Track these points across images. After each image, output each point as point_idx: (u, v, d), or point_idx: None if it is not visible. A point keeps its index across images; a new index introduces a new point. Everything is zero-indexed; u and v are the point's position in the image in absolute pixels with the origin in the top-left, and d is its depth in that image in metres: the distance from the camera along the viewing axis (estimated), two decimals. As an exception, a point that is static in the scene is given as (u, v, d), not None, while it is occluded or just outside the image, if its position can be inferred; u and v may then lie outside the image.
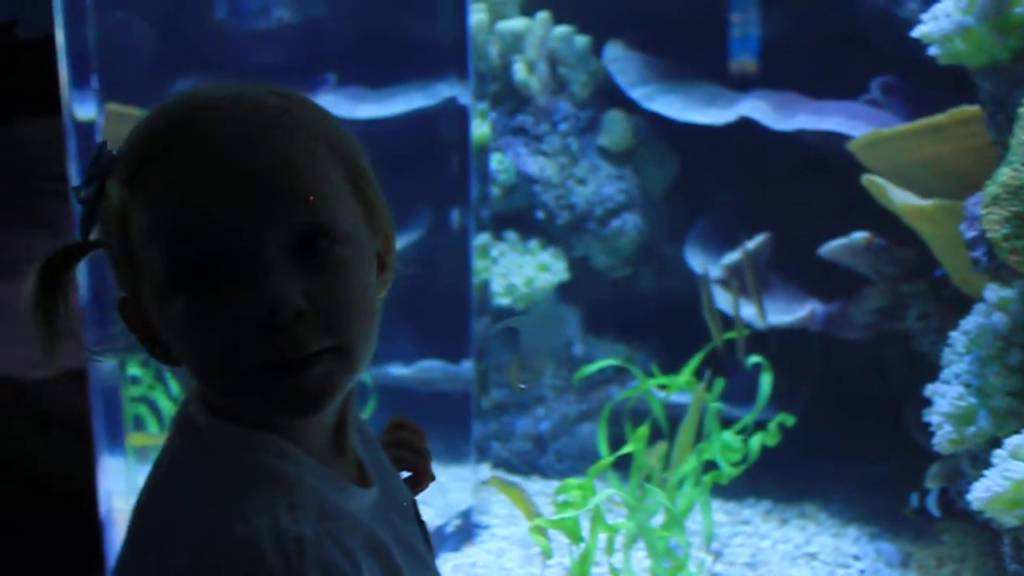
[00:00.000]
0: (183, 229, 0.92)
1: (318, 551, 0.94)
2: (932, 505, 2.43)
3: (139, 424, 2.53)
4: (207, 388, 1.01)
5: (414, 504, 1.16)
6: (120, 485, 2.01)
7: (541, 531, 2.28)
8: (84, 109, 1.85)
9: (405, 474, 1.24)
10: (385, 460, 1.16)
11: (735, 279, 2.72)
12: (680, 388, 2.55)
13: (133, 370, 2.45)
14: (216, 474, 0.99)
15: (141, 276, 0.96)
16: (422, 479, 1.24)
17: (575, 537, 2.19)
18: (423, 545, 1.13)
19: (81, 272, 1.84)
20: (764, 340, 2.57)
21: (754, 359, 2.51)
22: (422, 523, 1.16)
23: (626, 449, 2.37)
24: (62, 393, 2.44)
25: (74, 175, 1.90)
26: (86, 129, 1.83)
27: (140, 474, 2.13)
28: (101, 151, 0.97)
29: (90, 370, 1.95)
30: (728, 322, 2.61)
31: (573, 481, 2.24)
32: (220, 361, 0.95)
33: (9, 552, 2.70)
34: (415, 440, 1.26)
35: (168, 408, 2.58)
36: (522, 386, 3.02)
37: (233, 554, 0.92)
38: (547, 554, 2.26)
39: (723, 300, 2.81)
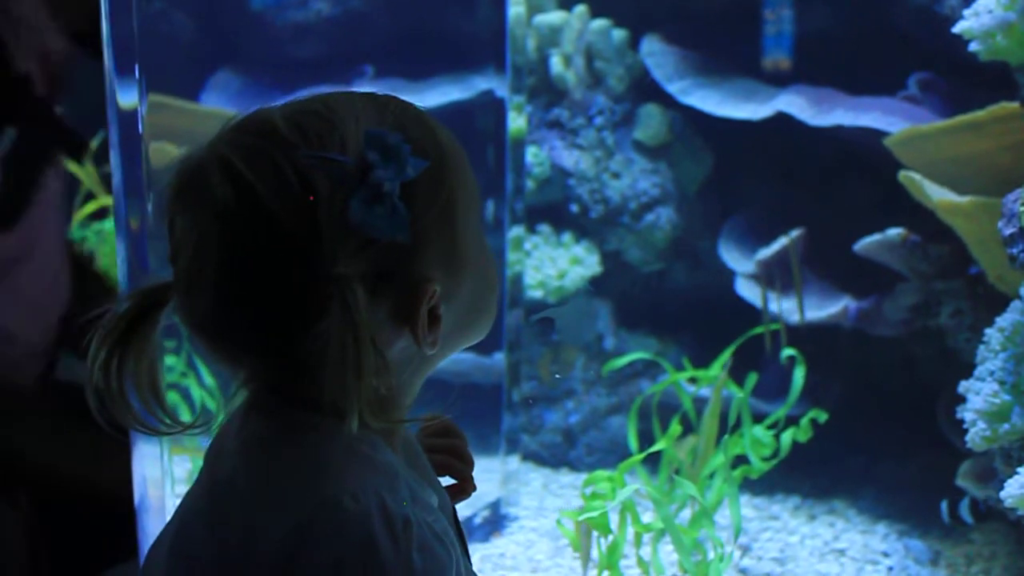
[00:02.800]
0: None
1: (420, 534, 0.98)
2: (965, 512, 2.43)
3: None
4: (472, 329, 1.12)
5: (453, 510, 1.19)
6: (155, 472, 2.03)
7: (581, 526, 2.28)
8: (127, 98, 1.87)
9: (447, 480, 1.26)
10: (426, 465, 1.18)
11: (776, 273, 2.72)
12: (711, 382, 2.55)
13: (166, 359, 2.47)
14: (318, 455, 1.01)
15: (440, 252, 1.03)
16: (467, 487, 1.27)
17: (603, 529, 2.20)
18: (464, 555, 1.15)
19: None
20: (799, 335, 2.56)
21: (788, 352, 2.51)
22: (460, 529, 1.18)
23: (658, 446, 2.38)
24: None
25: (116, 164, 1.91)
26: (129, 118, 1.85)
27: (175, 462, 2.15)
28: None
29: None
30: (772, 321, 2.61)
31: (602, 473, 2.25)
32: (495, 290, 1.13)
33: (45, 539, 2.73)
34: (462, 446, 1.28)
35: (200, 396, 2.60)
36: (557, 376, 3.03)
37: (345, 527, 0.96)
38: (576, 547, 2.27)
39: (756, 296, 2.82)
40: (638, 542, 2.32)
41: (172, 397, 2.64)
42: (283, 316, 0.98)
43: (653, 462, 2.51)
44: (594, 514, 2.15)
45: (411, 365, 1.07)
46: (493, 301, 1.14)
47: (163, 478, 2.01)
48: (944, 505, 2.47)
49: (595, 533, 2.22)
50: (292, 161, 0.97)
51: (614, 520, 2.23)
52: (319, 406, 1.01)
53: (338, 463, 1.00)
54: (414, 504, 1.01)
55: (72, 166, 3.77)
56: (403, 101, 1.08)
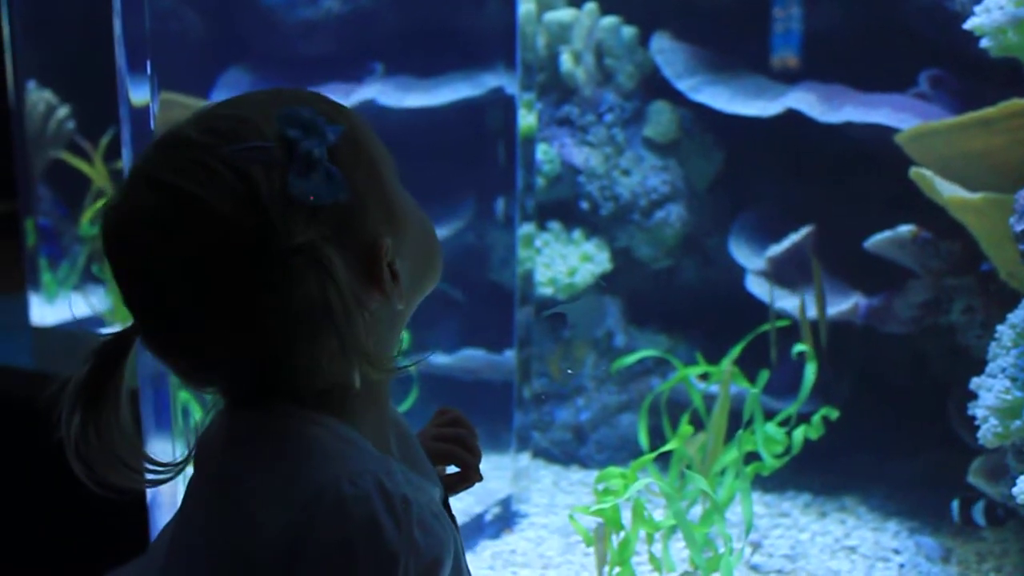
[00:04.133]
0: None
1: (419, 511, 1.01)
2: (978, 515, 2.43)
3: (183, 410, 2.56)
4: (427, 277, 1.14)
5: (446, 503, 1.20)
6: (167, 468, 2.03)
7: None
8: (139, 96, 1.88)
9: (452, 469, 1.28)
10: (422, 457, 1.20)
11: (786, 270, 2.72)
12: (721, 379, 2.54)
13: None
14: (309, 445, 1.04)
15: (376, 219, 1.06)
16: (472, 476, 1.29)
17: (616, 525, 2.20)
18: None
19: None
20: (815, 332, 2.56)
21: (799, 348, 2.51)
22: (453, 519, 1.19)
23: (670, 445, 2.38)
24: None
25: (128, 161, 1.92)
26: (141, 114, 1.86)
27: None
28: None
29: (139, 355, 1.97)
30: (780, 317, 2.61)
31: (615, 469, 2.25)
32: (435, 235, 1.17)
33: (57, 534, 2.74)
34: (469, 437, 1.30)
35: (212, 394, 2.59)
36: (569, 371, 3.03)
37: (346, 511, 0.98)
38: (588, 542, 2.27)
39: (766, 293, 2.81)
40: (650, 539, 2.32)
41: (183, 396, 2.64)
42: (259, 307, 1.00)
43: (663, 459, 2.51)
44: (606, 505, 2.15)
45: (384, 324, 1.10)
46: (436, 247, 1.18)
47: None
48: (955, 505, 2.47)
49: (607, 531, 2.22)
50: (220, 159, 1.00)
51: (626, 516, 2.23)
52: (301, 397, 1.05)
53: (329, 450, 1.03)
54: (408, 482, 1.03)
55: (82, 165, 3.79)
56: (294, 87, 1.12)
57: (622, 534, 2.22)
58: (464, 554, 1.16)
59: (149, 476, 1.09)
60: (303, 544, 0.98)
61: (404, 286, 1.08)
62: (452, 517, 1.19)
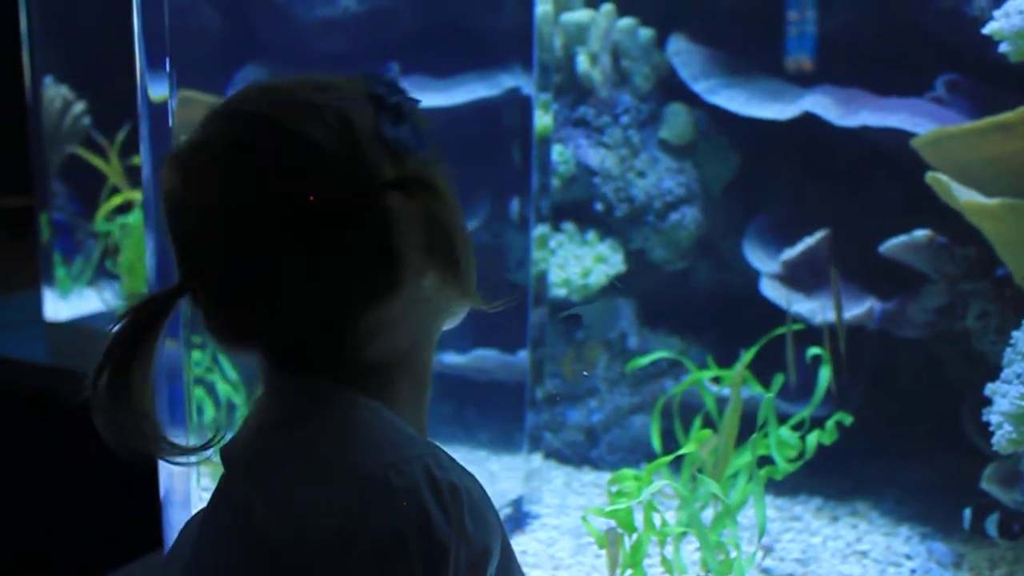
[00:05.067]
0: None
1: (469, 498, 1.00)
2: (991, 527, 2.42)
3: (198, 407, 2.57)
4: (468, 296, 1.13)
5: None
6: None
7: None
8: (157, 92, 1.88)
9: None
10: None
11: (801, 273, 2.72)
12: (732, 383, 2.54)
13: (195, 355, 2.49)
14: (351, 429, 1.03)
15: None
16: None
17: (629, 528, 2.20)
18: None
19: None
20: (833, 338, 2.56)
21: (813, 351, 2.50)
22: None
23: (686, 448, 2.37)
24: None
25: (146, 157, 1.92)
26: (159, 110, 1.86)
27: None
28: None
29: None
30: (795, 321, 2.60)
31: (629, 471, 2.25)
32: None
33: (73, 531, 2.74)
34: None
35: (226, 391, 2.61)
36: (584, 373, 3.04)
37: (396, 504, 0.97)
38: (600, 544, 2.27)
39: (781, 296, 2.81)
40: (662, 541, 2.32)
41: (198, 393, 2.65)
42: (340, 245, 1.00)
43: (675, 461, 2.51)
44: (620, 506, 2.15)
45: (426, 318, 1.10)
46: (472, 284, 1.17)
47: (188, 470, 2.02)
48: (967, 513, 2.46)
49: (621, 532, 2.22)
50: (317, 101, 1.02)
51: (639, 518, 2.23)
52: (347, 374, 1.04)
53: (374, 436, 1.02)
54: (455, 468, 1.03)
55: (97, 161, 3.80)
56: None
57: (634, 536, 2.22)
58: (509, 539, 1.15)
59: (164, 447, 1.07)
60: (352, 536, 0.96)
61: (450, 283, 1.09)
62: None
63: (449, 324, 1.16)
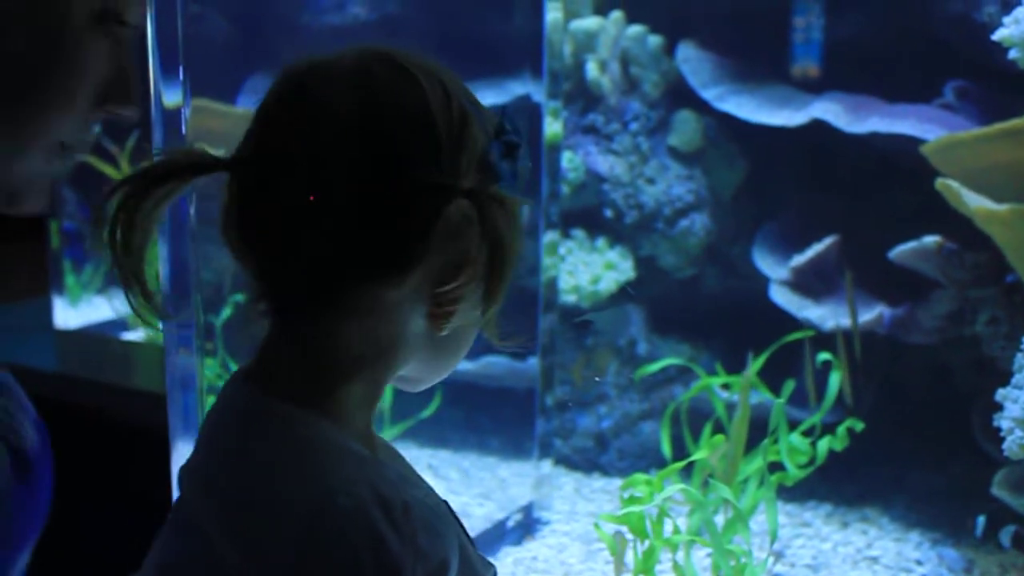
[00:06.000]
0: None
1: (421, 513, 0.99)
2: (1006, 538, 2.42)
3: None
4: (448, 360, 1.13)
5: (447, 504, 1.19)
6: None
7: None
8: (170, 98, 1.89)
9: None
10: (400, 456, 1.22)
11: (817, 280, 2.72)
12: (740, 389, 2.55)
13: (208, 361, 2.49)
14: (305, 457, 1.01)
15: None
16: None
17: (641, 533, 2.20)
18: (466, 537, 1.16)
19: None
20: (849, 344, 2.56)
21: (823, 356, 2.51)
22: (458, 519, 1.18)
23: (699, 454, 2.38)
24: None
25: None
26: (173, 117, 1.87)
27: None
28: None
29: (167, 357, 1.98)
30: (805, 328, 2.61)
31: (641, 476, 2.25)
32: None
33: (77, 534, 2.75)
34: None
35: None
36: (596, 379, 3.04)
37: (346, 525, 0.95)
38: (612, 551, 2.27)
39: (790, 303, 2.82)
40: (674, 547, 2.33)
41: (211, 401, 2.65)
42: (397, 215, 1.00)
43: (686, 468, 2.51)
44: (633, 510, 2.15)
45: (413, 324, 1.08)
46: (461, 357, 1.16)
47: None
48: (981, 521, 2.46)
49: (631, 538, 2.23)
50: (456, 92, 1.04)
51: (650, 524, 2.23)
52: (299, 396, 1.03)
53: (321, 458, 1.00)
54: (404, 483, 1.01)
55: (108, 168, 3.81)
56: None
57: (647, 543, 2.22)
58: (470, 542, 1.15)
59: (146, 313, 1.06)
60: (306, 563, 0.95)
61: (437, 336, 1.08)
62: (451, 510, 1.17)
63: (459, 350, 1.15)
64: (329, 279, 1.01)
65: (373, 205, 0.99)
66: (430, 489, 1.12)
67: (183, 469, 1.09)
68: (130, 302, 1.05)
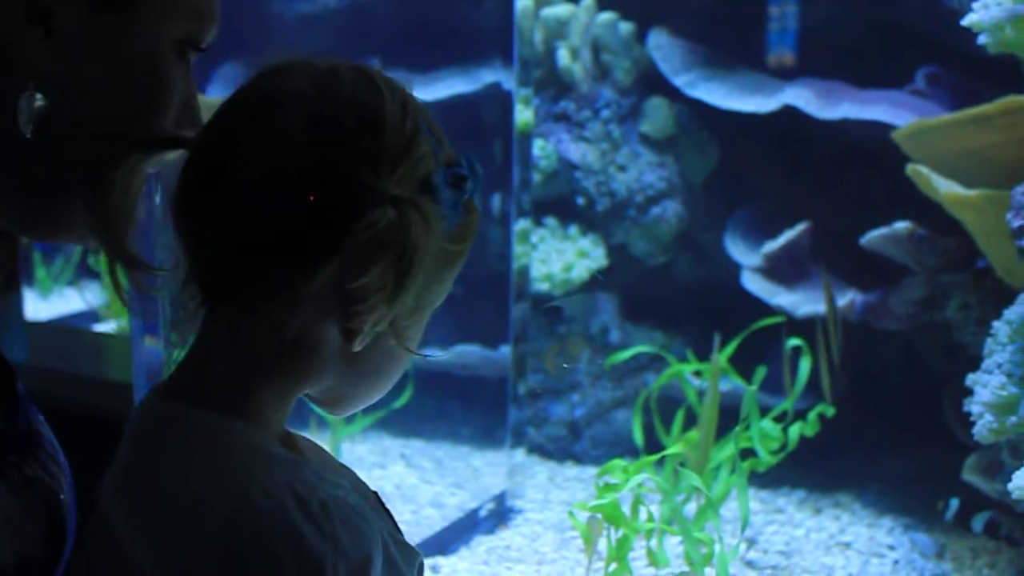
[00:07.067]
0: None
1: (340, 511, 0.98)
2: (979, 524, 2.43)
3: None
4: (374, 385, 1.14)
5: (377, 496, 1.18)
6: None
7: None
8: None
9: None
10: (335, 460, 1.20)
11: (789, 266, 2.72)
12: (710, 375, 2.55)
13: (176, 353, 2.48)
14: (220, 460, 1.00)
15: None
16: None
17: (616, 521, 2.20)
18: (395, 528, 1.15)
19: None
20: (805, 328, 2.56)
21: (793, 342, 2.51)
22: (387, 511, 1.17)
23: (674, 448, 2.38)
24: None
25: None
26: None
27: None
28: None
29: (134, 347, 1.97)
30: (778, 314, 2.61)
31: (619, 462, 2.25)
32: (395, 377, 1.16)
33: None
34: None
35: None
36: (565, 365, 3.04)
37: (265, 525, 0.95)
38: (586, 539, 2.27)
39: (762, 289, 2.82)
40: (648, 534, 2.33)
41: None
42: (328, 211, 0.99)
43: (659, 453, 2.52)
44: (605, 501, 2.15)
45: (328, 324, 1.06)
46: (390, 382, 1.16)
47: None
48: (954, 504, 2.46)
49: (605, 526, 2.22)
50: (415, 110, 1.05)
51: (628, 511, 2.23)
52: (215, 399, 1.02)
53: (238, 460, 1.00)
54: (322, 482, 1.01)
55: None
56: None
57: (620, 531, 2.22)
58: (399, 532, 1.14)
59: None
60: (225, 565, 0.95)
61: (347, 355, 1.07)
62: (381, 502, 1.17)
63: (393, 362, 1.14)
64: (248, 258, 1.01)
65: (301, 191, 0.99)
66: (360, 483, 1.13)
67: (103, 480, 1.07)
68: (110, 271, 1.09)
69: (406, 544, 1.13)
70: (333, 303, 1.02)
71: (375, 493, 1.17)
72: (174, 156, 1.07)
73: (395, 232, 1.00)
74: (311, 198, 0.98)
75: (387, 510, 1.16)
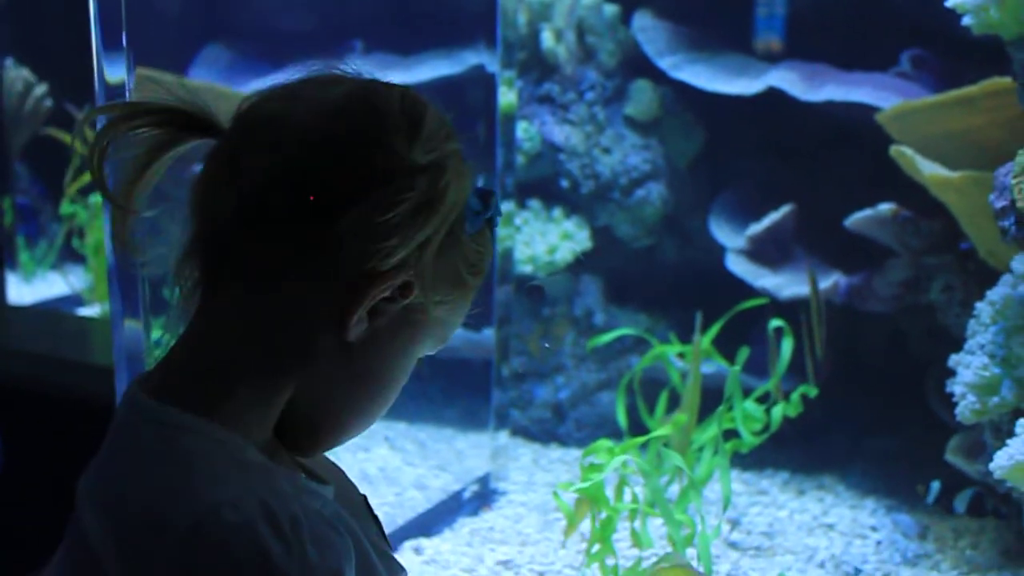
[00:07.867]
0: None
1: (312, 526, 0.96)
2: (961, 504, 2.44)
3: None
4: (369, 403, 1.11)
5: (365, 500, 1.17)
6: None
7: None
8: (114, 71, 1.86)
9: None
10: (326, 460, 1.18)
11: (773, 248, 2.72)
12: (702, 357, 2.55)
13: (155, 333, 2.47)
14: (193, 469, 0.97)
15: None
16: None
17: (601, 503, 2.20)
18: (380, 538, 1.14)
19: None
20: (789, 310, 2.56)
21: (775, 323, 2.51)
22: (376, 518, 1.16)
23: (661, 431, 2.38)
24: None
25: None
26: (117, 92, 1.84)
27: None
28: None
29: (115, 332, 1.96)
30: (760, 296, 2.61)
31: (605, 442, 2.25)
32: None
33: (34, 522, 2.72)
34: None
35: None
36: (547, 346, 3.03)
37: (232, 540, 0.92)
38: (570, 519, 2.27)
39: (747, 272, 2.82)
40: (632, 515, 2.33)
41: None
42: (343, 213, 0.99)
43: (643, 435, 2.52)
44: (585, 486, 2.15)
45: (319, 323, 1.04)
46: (385, 392, 1.13)
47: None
48: (935, 487, 2.47)
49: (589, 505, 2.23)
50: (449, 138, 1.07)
51: (610, 493, 2.23)
52: (191, 399, 1.00)
53: (210, 469, 0.97)
54: (298, 493, 0.98)
55: (69, 137, 3.75)
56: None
57: (604, 513, 2.22)
58: (384, 542, 1.13)
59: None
60: None
61: (362, 352, 1.05)
62: (375, 517, 1.15)
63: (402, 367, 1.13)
64: (266, 223, 1.00)
65: (333, 149, 1.00)
66: (347, 485, 1.11)
67: (80, 480, 1.05)
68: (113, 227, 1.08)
69: (392, 557, 1.12)
70: (334, 294, 1.01)
71: (364, 497, 1.15)
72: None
73: (422, 192, 1.01)
74: (341, 153, 1.00)
75: (375, 517, 1.15)
